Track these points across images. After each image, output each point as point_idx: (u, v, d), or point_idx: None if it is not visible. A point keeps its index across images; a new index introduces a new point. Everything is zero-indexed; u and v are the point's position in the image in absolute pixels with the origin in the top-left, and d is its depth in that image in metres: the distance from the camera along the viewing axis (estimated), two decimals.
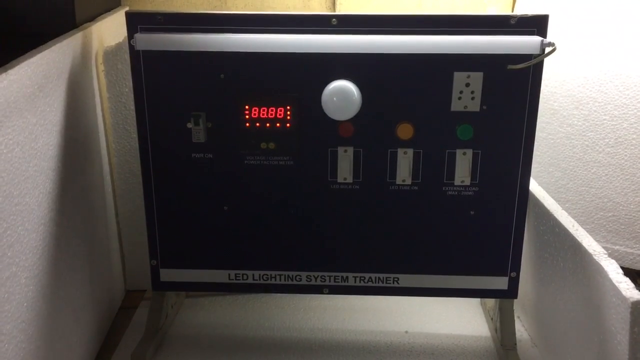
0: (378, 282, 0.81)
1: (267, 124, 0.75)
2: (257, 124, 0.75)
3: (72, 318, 0.75)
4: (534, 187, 0.81)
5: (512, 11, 1.08)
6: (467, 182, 0.76)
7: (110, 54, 0.86)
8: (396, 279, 0.81)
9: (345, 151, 0.76)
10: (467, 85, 0.73)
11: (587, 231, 0.70)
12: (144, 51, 0.73)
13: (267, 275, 0.82)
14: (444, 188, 0.77)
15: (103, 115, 0.89)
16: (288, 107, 0.74)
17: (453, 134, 0.75)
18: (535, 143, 0.75)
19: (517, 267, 0.80)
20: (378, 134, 0.75)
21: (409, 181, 0.76)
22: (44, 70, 0.66)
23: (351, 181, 0.77)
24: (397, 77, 0.73)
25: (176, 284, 0.83)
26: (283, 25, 0.72)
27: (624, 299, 0.56)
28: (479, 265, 0.80)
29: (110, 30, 0.90)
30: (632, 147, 0.91)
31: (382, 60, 0.72)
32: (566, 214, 0.74)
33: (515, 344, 0.82)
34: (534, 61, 0.71)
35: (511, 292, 0.81)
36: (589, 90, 0.93)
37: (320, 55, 0.72)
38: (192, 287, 0.86)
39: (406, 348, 0.86)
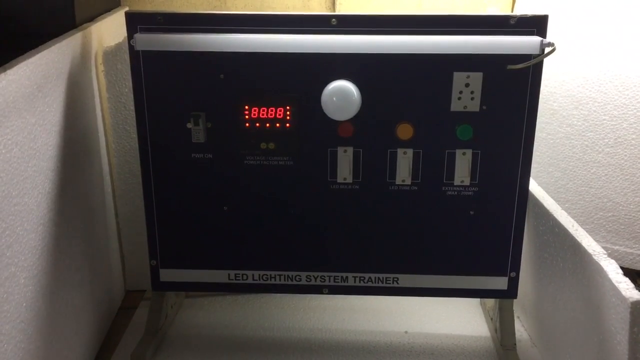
0: (378, 282, 0.81)
1: (267, 124, 0.75)
2: (257, 124, 0.75)
3: (71, 318, 0.75)
4: (534, 187, 0.81)
5: (512, 11, 1.08)
6: (467, 182, 0.76)
7: (110, 54, 0.86)
8: (396, 279, 0.81)
9: (345, 151, 0.76)
10: (467, 85, 0.73)
11: (586, 231, 0.70)
12: (143, 51, 0.73)
13: (267, 275, 0.82)
14: (443, 188, 0.77)
15: (103, 116, 0.89)
16: (288, 108, 0.74)
17: (453, 134, 0.75)
18: (535, 143, 0.75)
19: (516, 267, 0.80)
20: (378, 134, 0.75)
21: (408, 181, 0.76)
22: (43, 70, 0.66)
23: (351, 181, 0.77)
24: (396, 77, 0.73)
25: (176, 284, 0.83)
26: (283, 26, 0.72)
27: (623, 299, 0.56)
28: (478, 265, 0.80)
29: (110, 30, 0.90)
30: (632, 147, 0.91)
31: (382, 61, 0.72)
32: (566, 214, 0.74)
33: (515, 344, 0.82)
34: (533, 61, 0.71)
35: (511, 292, 0.81)
36: (589, 90, 0.93)
37: (320, 55, 0.72)
38: (191, 287, 0.86)
39: (406, 348, 0.86)
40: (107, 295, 0.90)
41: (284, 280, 0.82)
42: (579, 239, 0.68)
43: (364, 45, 0.71)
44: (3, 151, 0.57)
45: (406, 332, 0.89)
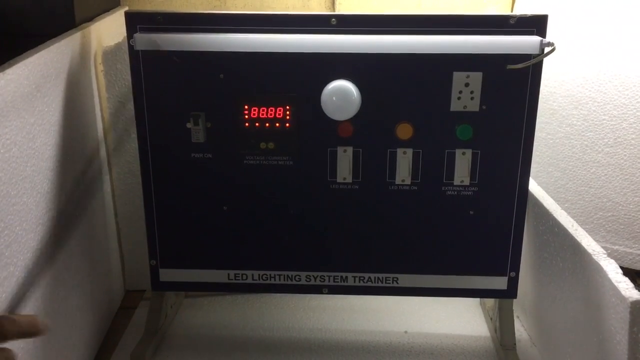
0: (377, 282, 0.81)
1: (267, 124, 0.75)
2: (257, 124, 0.75)
3: (71, 318, 0.75)
4: (533, 187, 0.81)
5: (512, 11, 1.08)
6: (467, 182, 0.76)
7: (110, 54, 0.86)
8: (395, 279, 0.81)
9: (345, 151, 0.76)
10: (467, 85, 0.72)
11: (586, 231, 0.70)
12: (143, 51, 0.73)
13: (267, 275, 0.82)
14: (443, 188, 0.77)
15: (102, 115, 0.89)
16: (287, 107, 0.74)
17: (452, 134, 0.75)
18: (535, 143, 0.75)
19: (516, 267, 0.80)
20: (377, 134, 0.75)
21: (408, 181, 0.76)
22: (42, 70, 0.66)
23: (350, 181, 0.77)
24: (396, 77, 0.73)
25: (175, 284, 0.83)
26: (282, 25, 0.72)
27: (623, 298, 0.56)
28: (478, 265, 0.80)
29: (109, 30, 0.90)
30: (632, 147, 0.91)
31: (382, 60, 0.72)
32: (565, 213, 0.74)
33: (515, 343, 0.82)
34: (533, 61, 0.70)
35: (510, 292, 0.81)
36: (588, 90, 0.93)
37: (319, 55, 0.72)
38: (191, 287, 0.86)
39: (405, 348, 0.86)
40: (106, 295, 0.90)
41: (284, 280, 0.82)
42: (578, 239, 0.68)
43: (363, 45, 0.71)
44: (2, 151, 0.57)
45: (406, 332, 0.89)
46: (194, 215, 0.79)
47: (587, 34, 0.92)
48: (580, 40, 0.92)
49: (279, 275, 0.82)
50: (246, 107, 0.74)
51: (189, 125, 0.75)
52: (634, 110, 0.90)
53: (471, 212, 0.78)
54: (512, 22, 0.71)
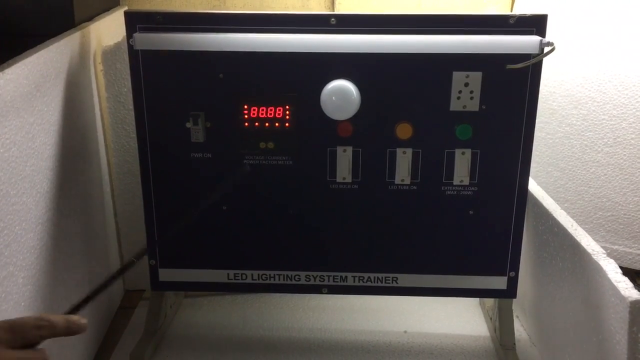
0: (377, 282, 0.81)
1: (266, 124, 0.75)
2: (256, 124, 0.75)
3: None
4: (533, 186, 0.81)
5: (511, 11, 1.08)
6: (466, 181, 0.76)
7: (109, 54, 0.86)
8: (395, 279, 0.81)
9: (344, 151, 0.76)
10: (466, 85, 0.72)
11: (586, 231, 0.70)
12: (142, 51, 0.73)
13: (266, 275, 0.82)
14: (443, 188, 0.77)
15: (102, 115, 0.89)
16: (287, 107, 0.74)
17: (452, 134, 0.75)
18: (534, 143, 0.75)
19: (516, 267, 0.80)
20: (377, 134, 0.75)
21: (408, 181, 0.76)
22: (41, 69, 0.66)
23: (350, 181, 0.77)
24: (396, 76, 0.73)
25: (175, 283, 0.83)
26: (282, 25, 0.72)
27: (622, 298, 0.56)
28: (477, 265, 0.80)
29: (109, 29, 0.90)
30: (631, 147, 0.91)
31: (381, 60, 0.72)
32: (565, 213, 0.74)
33: (514, 343, 0.82)
34: (532, 61, 0.70)
35: (510, 291, 0.81)
36: (588, 90, 0.93)
37: (319, 54, 0.72)
38: (191, 287, 0.86)
39: (405, 348, 0.86)
40: (105, 294, 0.90)
41: (283, 280, 0.82)
42: (578, 239, 0.68)
43: (363, 45, 0.71)
44: (1, 150, 0.57)
45: (405, 331, 0.89)
46: (193, 215, 0.79)
47: (587, 33, 0.92)
48: (579, 40, 0.92)
49: (279, 275, 0.82)
50: (246, 106, 0.74)
51: (188, 125, 0.75)
52: (634, 110, 0.90)
53: (471, 212, 0.78)
54: (511, 21, 0.71)
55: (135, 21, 0.72)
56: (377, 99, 0.74)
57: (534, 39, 0.70)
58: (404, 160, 0.76)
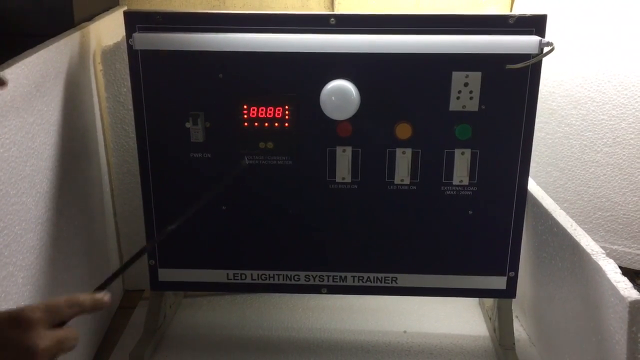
0: (376, 282, 0.81)
1: (266, 124, 0.75)
2: (256, 124, 0.75)
3: None
4: (533, 186, 0.82)
5: (511, 11, 1.08)
6: (466, 181, 0.76)
7: (109, 54, 0.86)
8: (394, 279, 0.81)
9: (344, 151, 0.76)
10: (466, 85, 0.73)
11: (585, 231, 0.70)
12: (142, 51, 0.73)
13: (266, 275, 0.82)
14: (442, 188, 0.77)
15: (101, 115, 0.89)
16: (286, 107, 0.74)
17: (451, 134, 0.75)
18: (534, 143, 0.75)
19: (515, 267, 0.80)
20: (376, 134, 0.75)
21: (407, 181, 0.76)
22: (41, 69, 0.66)
23: (349, 181, 0.77)
24: (395, 76, 0.73)
25: (174, 283, 0.83)
26: (281, 25, 0.72)
27: (622, 298, 0.56)
28: (477, 265, 0.80)
29: (108, 29, 0.90)
30: (630, 147, 0.91)
31: (381, 60, 0.72)
32: (564, 213, 0.74)
33: (514, 343, 0.82)
34: (532, 61, 0.71)
35: (509, 291, 0.81)
36: (587, 90, 0.93)
37: (318, 54, 0.72)
38: (190, 287, 0.86)
39: (405, 348, 0.86)
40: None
41: (283, 279, 0.82)
42: (577, 239, 0.68)
43: (362, 45, 0.71)
44: (1, 150, 0.57)
45: (405, 331, 0.89)
46: (192, 215, 0.79)
47: (586, 33, 0.92)
48: (579, 40, 0.93)
49: (278, 275, 0.82)
50: (245, 106, 0.74)
51: (188, 125, 0.75)
52: (633, 110, 0.90)
53: (470, 212, 0.78)
54: (511, 21, 0.71)
55: (135, 21, 0.72)
56: (376, 99, 0.74)
57: (534, 39, 0.70)
58: (403, 160, 0.76)
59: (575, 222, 0.72)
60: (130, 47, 0.73)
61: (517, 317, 0.91)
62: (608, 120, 0.92)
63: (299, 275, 0.82)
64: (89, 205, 0.84)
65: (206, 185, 0.78)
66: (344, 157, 0.76)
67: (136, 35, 0.72)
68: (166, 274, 0.82)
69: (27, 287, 0.63)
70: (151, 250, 0.81)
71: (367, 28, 0.71)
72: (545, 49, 0.70)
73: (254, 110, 0.74)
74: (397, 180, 0.77)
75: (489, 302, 0.91)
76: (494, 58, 0.71)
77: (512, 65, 0.71)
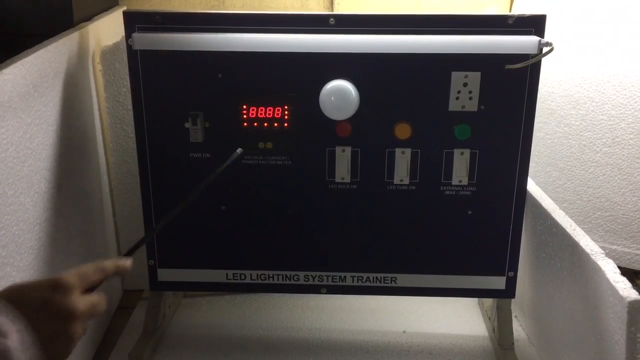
0: (376, 282, 0.81)
1: (265, 124, 0.75)
2: (255, 124, 0.75)
3: None
4: (532, 186, 0.82)
5: (510, 11, 1.08)
6: (465, 181, 0.76)
7: (108, 54, 0.86)
8: (394, 279, 0.81)
9: (343, 151, 0.76)
10: (465, 85, 0.72)
11: (584, 231, 0.70)
12: (141, 51, 0.73)
13: (265, 275, 0.82)
14: (441, 188, 0.77)
15: (100, 115, 0.89)
16: (286, 107, 0.74)
17: (451, 134, 0.75)
18: (533, 143, 0.75)
19: (514, 267, 0.80)
20: (376, 134, 0.75)
21: (406, 181, 0.76)
22: (39, 69, 0.66)
23: (349, 181, 0.77)
24: (394, 76, 0.73)
25: (174, 283, 0.83)
26: (281, 25, 0.72)
27: (621, 298, 0.56)
28: (476, 265, 0.80)
29: (107, 29, 0.90)
30: (630, 147, 0.91)
31: (380, 60, 0.72)
32: (563, 213, 0.74)
33: (513, 343, 0.82)
34: (531, 61, 0.71)
35: (509, 291, 0.81)
36: (587, 90, 0.93)
37: (318, 54, 0.72)
38: (189, 287, 0.86)
39: (404, 348, 0.86)
40: (104, 294, 0.89)
41: (282, 280, 0.82)
42: (576, 239, 0.68)
43: (362, 45, 0.71)
44: None
45: (404, 331, 0.89)
46: (192, 215, 0.79)
47: (586, 33, 0.92)
48: (578, 40, 0.93)
49: (278, 275, 0.82)
50: (244, 106, 0.74)
51: (187, 125, 0.75)
52: (632, 110, 0.90)
53: (469, 212, 0.78)
54: (510, 22, 0.71)
55: (134, 21, 0.72)
56: (376, 99, 0.74)
57: (533, 39, 0.70)
58: (402, 160, 0.76)
59: (575, 222, 0.72)
60: (129, 47, 0.73)
61: (516, 317, 0.91)
62: (607, 120, 0.92)
63: (298, 275, 0.82)
64: (88, 205, 0.84)
65: (205, 185, 0.78)
66: (343, 157, 0.76)
67: (135, 35, 0.72)
68: (165, 274, 0.82)
69: None
70: (150, 250, 0.81)
71: (367, 28, 0.71)
72: (545, 49, 0.70)
73: (253, 110, 0.74)
74: (396, 181, 0.77)
75: (488, 302, 0.91)
76: (493, 58, 0.71)
77: (511, 65, 0.71)
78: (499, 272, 0.80)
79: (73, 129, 0.78)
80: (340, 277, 0.81)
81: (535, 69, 0.72)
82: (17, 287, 0.41)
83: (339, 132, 0.75)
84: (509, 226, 0.78)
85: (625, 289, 0.57)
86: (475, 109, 0.73)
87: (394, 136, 0.75)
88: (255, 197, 0.78)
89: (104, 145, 0.91)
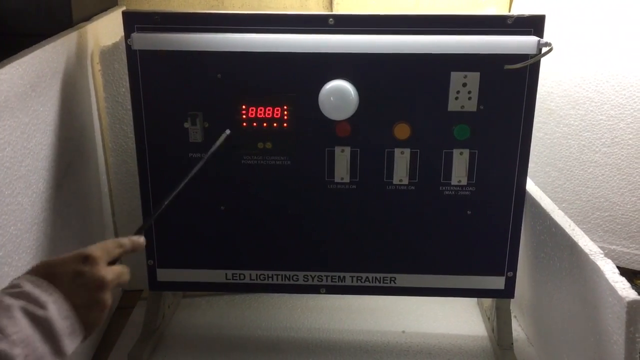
0: (375, 282, 0.81)
1: (264, 124, 0.75)
2: (254, 124, 0.75)
3: None
4: (531, 186, 0.82)
5: (509, 11, 1.08)
6: (464, 182, 0.76)
7: (107, 54, 0.86)
8: (393, 279, 0.81)
9: (342, 151, 0.76)
10: (464, 85, 0.73)
11: (583, 231, 0.70)
12: (140, 51, 0.73)
13: (264, 275, 0.82)
14: (441, 188, 0.77)
15: (99, 115, 0.89)
16: (285, 107, 0.74)
17: (450, 134, 0.75)
18: (532, 143, 0.75)
19: (513, 267, 0.80)
20: (375, 134, 0.75)
21: (406, 181, 0.76)
22: (36, 69, 0.66)
23: (348, 181, 0.77)
24: (394, 77, 0.73)
25: (173, 283, 0.83)
26: (280, 25, 0.72)
27: (620, 298, 0.56)
28: (475, 265, 0.80)
29: (107, 29, 0.90)
30: (629, 147, 0.91)
31: (379, 60, 0.72)
32: (563, 213, 0.74)
33: (512, 343, 0.82)
34: (530, 61, 0.71)
35: (508, 291, 0.81)
36: (586, 90, 0.93)
37: (317, 55, 0.72)
38: (189, 287, 0.86)
39: (403, 348, 0.86)
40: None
41: (282, 280, 0.82)
42: (575, 239, 0.68)
43: (361, 45, 0.71)
44: None
45: (403, 331, 0.89)
46: (191, 215, 0.79)
47: (585, 34, 0.92)
48: (577, 40, 0.93)
49: (277, 275, 0.82)
50: (244, 106, 0.74)
51: (186, 125, 0.75)
52: (631, 111, 0.90)
53: (469, 212, 0.78)
54: (509, 22, 0.71)
55: (134, 21, 0.72)
56: (375, 99, 0.73)
57: (532, 39, 0.70)
58: (402, 160, 0.76)
59: (574, 222, 0.72)
60: (128, 47, 0.73)
61: (515, 317, 0.91)
62: (606, 120, 0.92)
63: (297, 276, 0.81)
64: (87, 205, 0.84)
65: (205, 185, 0.78)
66: (342, 157, 0.76)
67: (135, 35, 0.72)
68: (165, 274, 0.82)
69: None
70: (150, 251, 0.81)
71: (366, 28, 0.71)
72: (544, 49, 0.70)
73: (252, 110, 0.74)
74: (395, 181, 0.77)
75: (488, 302, 0.91)
76: (493, 58, 0.71)
77: (510, 65, 0.71)
78: (498, 272, 0.80)
79: (72, 129, 0.77)
80: (339, 277, 0.81)
81: (534, 69, 0.72)
82: (47, 263, 0.44)
83: (338, 132, 0.75)
84: (508, 226, 0.78)
85: (624, 289, 0.57)
86: (474, 109, 0.73)
87: (393, 136, 0.75)
88: (254, 197, 0.78)
89: (103, 145, 0.90)
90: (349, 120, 0.74)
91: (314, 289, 0.82)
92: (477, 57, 0.71)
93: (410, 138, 0.75)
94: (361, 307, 0.94)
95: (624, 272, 0.74)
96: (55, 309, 0.41)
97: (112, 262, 0.48)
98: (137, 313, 0.92)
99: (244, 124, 0.75)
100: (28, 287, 0.41)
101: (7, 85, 0.59)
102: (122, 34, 0.73)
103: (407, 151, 0.75)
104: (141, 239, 0.52)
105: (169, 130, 0.76)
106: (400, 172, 0.76)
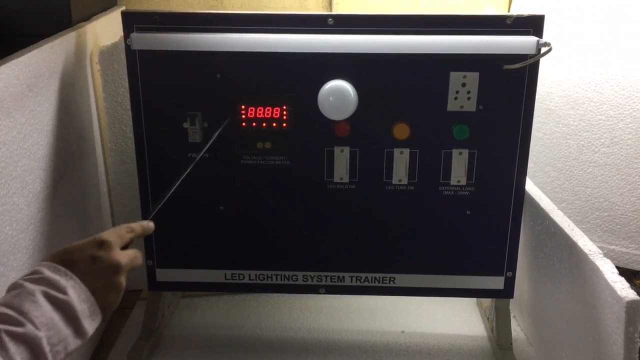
0: (374, 282, 0.81)
1: (263, 124, 0.75)
2: (253, 124, 0.75)
3: None
4: (530, 186, 0.82)
5: (508, 11, 1.08)
6: (463, 182, 0.76)
7: (106, 54, 0.86)
8: (392, 279, 0.81)
9: (342, 151, 0.76)
10: (464, 85, 0.73)
11: (582, 231, 0.70)
12: (140, 51, 0.73)
13: (264, 275, 0.82)
14: (440, 188, 0.77)
15: (98, 115, 0.89)
16: (284, 107, 0.74)
17: (449, 134, 0.75)
18: (531, 143, 0.75)
19: (513, 267, 0.80)
20: (374, 134, 0.75)
21: (405, 181, 0.76)
22: (33, 69, 0.66)
23: (347, 181, 0.77)
24: (393, 77, 0.73)
25: (172, 284, 0.83)
26: (279, 25, 0.72)
27: (619, 298, 0.57)
28: (475, 265, 0.80)
29: (106, 29, 0.90)
30: (628, 147, 0.91)
31: (379, 60, 0.72)
32: (562, 213, 0.74)
33: (512, 343, 0.83)
34: (530, 61, 0.71)
35: (507, 291, 0.81)
36: (585, 90, 0.93)
37: (316, 55, 0.72)
38: (188, 287, 0.86)
39: (402, 348, 0.86)
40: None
41: (281, 280, 0.82)
42: (574, 239, 0.68)
43: (360, 45, 0.71)
44: None
45: (403, 331, 0.89)
46: (190, 215, 0.79)
47: (584, 34, 0.92)
48: (577, 40, 0.93)
49: (276, 275, 0.82)
50: (243, 107, 0.74)
51: (185, 125, 0.75)
52: (631, 111, 0.90)
53: (468, 212, 0.78)
54: (508, 22, 0.71)
55: (133, 21, 0.72)
56: (374, 99, 0.73)
57: (531, 39, 0.70)
58: (401, 160, 0.76)
59: (573, 222, 0.72)
60: (128, 47, 0.72)
61: (514, 317, 0.91)
62: (606, 120, 0.92)
63: (296, 276, 0.81)
64: (86, 205, 0.84)
65: (204, 185, 0.78)
66: (341, 157, 0.76)
67: (134, 35, 0.72)
68: (164, 274, 0.82)
69: None
70: (149, 251, 0.81)
71: (365, 28, 0.71)
72: (543, 50, 0.70)
73: (251, 110, 0.74)
74: (395, 181, 0.77)
75: (487, 302, 0.91)
76: (492, 58, 0.71)
77: (509, 65, 0.71)
78: (497, 272, 0.80)
79: (70, 129, 0.77)
80: (338, 277, 0.81)
81: (533, 69, 0.72)
82: (64, 250, 0.46)
83: (337, 132, 0.75)
84: (508, 226, 0.78)
85: (623, 289, 0.57)
86: (473, 109, 0.74)
87: (392, 136, 0.75)
88: (253, 197, 0.78)
89: (102, 145, 0.90)
90: (348, 120, 0.74)
91: (313, 289, 0.82)
92: (476, 57, 0.71)
93: (410, 138, 0.75)
94: (360, 307, 0.94)
95: (623, 272, 0.74)
96: (75, 292, 0.43)
97: (124, 247, 0.50)
98: (136, 313, 0.92)
99: (243, 124, 0.75)
100: (47, 273, 0.43)
101: (3, 85, 0.59)
102: (122, 34, 0.73)
103: (407, 151, 0.76)
104: (150, 224, 0.54)
105: (168, 130, 0.76)
106: (400, 172, 0.76)
